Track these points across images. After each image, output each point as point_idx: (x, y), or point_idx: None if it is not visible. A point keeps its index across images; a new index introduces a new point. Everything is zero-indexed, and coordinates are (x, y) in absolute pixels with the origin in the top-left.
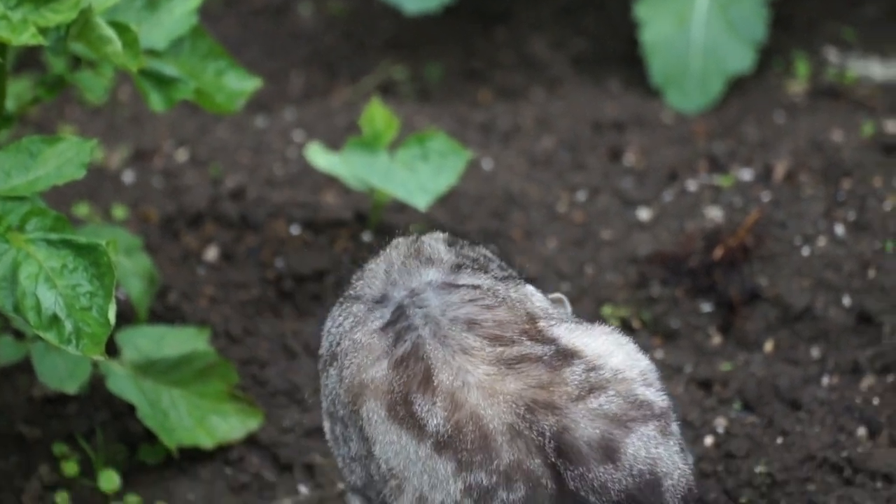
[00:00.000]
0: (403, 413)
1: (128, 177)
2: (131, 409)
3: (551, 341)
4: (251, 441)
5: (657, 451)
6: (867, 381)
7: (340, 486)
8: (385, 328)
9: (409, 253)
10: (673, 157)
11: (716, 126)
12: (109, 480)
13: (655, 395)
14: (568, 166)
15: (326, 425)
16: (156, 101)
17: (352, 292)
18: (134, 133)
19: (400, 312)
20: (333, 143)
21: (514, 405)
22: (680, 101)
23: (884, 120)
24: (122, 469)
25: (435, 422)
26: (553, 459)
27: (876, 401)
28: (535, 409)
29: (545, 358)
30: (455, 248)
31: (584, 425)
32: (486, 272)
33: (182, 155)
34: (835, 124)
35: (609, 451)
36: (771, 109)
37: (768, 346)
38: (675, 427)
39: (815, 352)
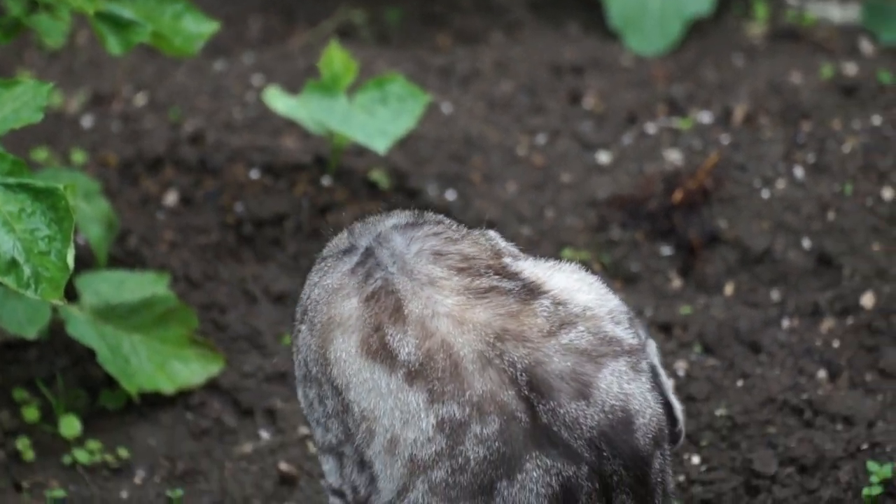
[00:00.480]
0: (376, 346)
1: (86, 121)
2: (91, 354)
3: (516, 276)
4: (212, 386)
5: (629, 387)
6: (827, 324)
7: (302, 430)
8: (354, 269)
9: (368, 219)
10: (632, 100)
11: (675, 69)
12: (70, 426)
13: (624, 333)
14: (527, 110)
15: (300, 393)
16: (113, 45)
17: (320, 256)
18: (92, 77)
19: (368, 254)
20: (292, 87)
21: (483, 333)
22: (639, 44)
23: (842, 62)
24: (82, 414)
25: (406, 350)
26: (526, 392)
27: (836, 343)
28: (506, 338)
29: (514, 291)
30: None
31: (557, 360)
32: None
33: (141, 99)
34: (794, 67)
35: (581, 388)
36: (730, 52)
37: (728, 288)
38: (645, 366)
39: (775, 294)
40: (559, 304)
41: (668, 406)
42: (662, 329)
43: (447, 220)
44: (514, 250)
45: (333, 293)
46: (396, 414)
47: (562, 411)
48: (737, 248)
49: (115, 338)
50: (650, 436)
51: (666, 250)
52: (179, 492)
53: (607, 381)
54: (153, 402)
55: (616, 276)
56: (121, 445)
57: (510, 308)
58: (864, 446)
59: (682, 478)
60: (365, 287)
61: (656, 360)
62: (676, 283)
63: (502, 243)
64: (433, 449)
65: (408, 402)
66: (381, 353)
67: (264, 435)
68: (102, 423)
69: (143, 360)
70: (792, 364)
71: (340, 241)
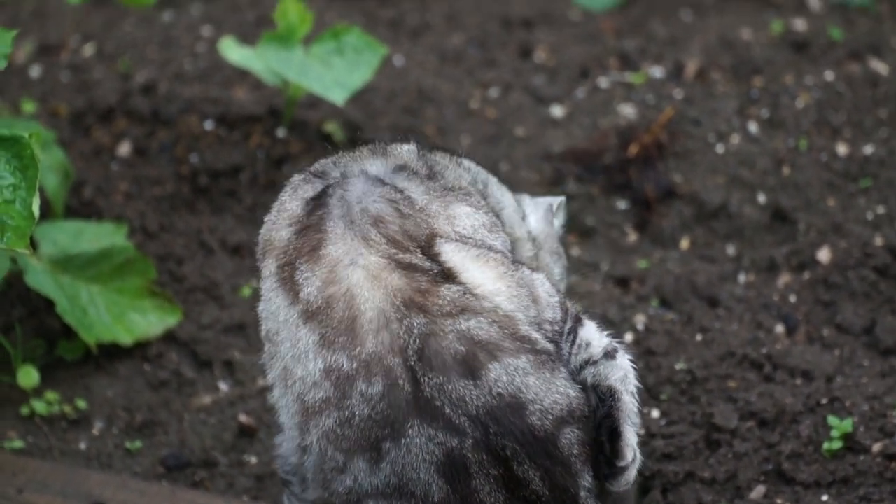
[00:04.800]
0: (286, 275)
1: (34, 71)
2: (49, 304)
3: (439, 261)
4: (170, 338)
5: (525, 380)
6: (783, 279)
7: (261, 382)
8: (310, 201)
9: (372, 148)
10: (583, 54)
11: (623, 24)
12: (28, 376)
13: (541, 337)
14: (478, 63)
15: (263, 330)
16: None
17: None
18: (38, 27)
19: (325, 192)
20: (243, 39)
21: (393, 295)
22: None
23: (791, 18)
24: (40, 365)
25: (308, 290)
26: (412, 363)
27: (793, 298)
28: (411, 305)
29: (431, 272)
30: (419, 153)
31: (451, 339)
32: (430, 179)
33: (89, 50)
34: (743, 22)
35: (471, 369)
36: (677, 7)
37: (684, 243)
38: (563, 370)
39: (731, 249)
40: (468, 293)
41: (616, 434)
42: (619, 283)
43: (409, 190)
44: (477, 235)
45: (282, 214)
46: (287, 345)
47: (449, 387)
48: (692, 202)
49: (73, 288)
50: (550, 418)
51: (622, 204)
52: (138, 443)
53: (497, 372)
54: (111, 354)
55: (572, 229)
56: (79, 396)
57: (421, 285)
58: (824, 401)
59: (642, 431)
60: (305, 221)
61: (623, 385)
62: (632, 237)
63: (460, 227)
64: (321, 395)
65: (299, 337)
66: (289, 283)
67: (223, 387)
68: (60, 373)
69: (101, 311)
70: (750, 319)
71: (327, 160)
